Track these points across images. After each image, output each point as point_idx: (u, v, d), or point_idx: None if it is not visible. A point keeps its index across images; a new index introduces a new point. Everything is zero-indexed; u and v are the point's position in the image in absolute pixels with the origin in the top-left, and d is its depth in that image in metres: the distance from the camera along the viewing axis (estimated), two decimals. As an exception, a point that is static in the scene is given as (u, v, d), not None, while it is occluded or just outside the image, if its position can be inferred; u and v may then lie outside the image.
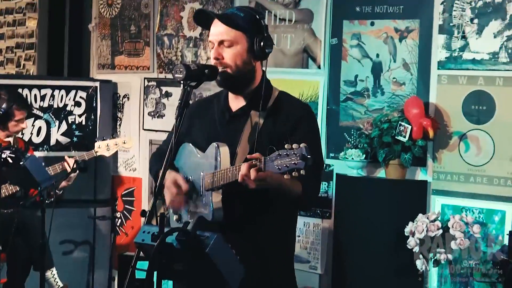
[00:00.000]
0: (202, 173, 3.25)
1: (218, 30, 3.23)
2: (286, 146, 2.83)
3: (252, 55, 3.26)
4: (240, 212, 3.24)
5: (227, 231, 3.05)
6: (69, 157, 5.72)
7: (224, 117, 3.36)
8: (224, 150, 3.19)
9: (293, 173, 2.82)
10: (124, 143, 5.94)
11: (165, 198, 3.32)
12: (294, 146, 2.81)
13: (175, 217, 3.44)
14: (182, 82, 3.09)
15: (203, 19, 3.35)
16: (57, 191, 5.27)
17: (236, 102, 3.35)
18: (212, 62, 3.23)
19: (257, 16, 3.30)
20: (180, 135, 3.34)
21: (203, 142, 3.32)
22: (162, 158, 3.05)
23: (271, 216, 3.29)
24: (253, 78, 3.32)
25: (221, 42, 3.22)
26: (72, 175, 5.60)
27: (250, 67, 3.28)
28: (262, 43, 3.24)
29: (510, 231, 4.24)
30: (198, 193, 3.28)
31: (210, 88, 5.84)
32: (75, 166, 5.55)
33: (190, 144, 3.40)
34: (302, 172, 2.80)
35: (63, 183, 5.57)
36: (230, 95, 3.37)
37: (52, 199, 5.20)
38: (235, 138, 3.25)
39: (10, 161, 4.85)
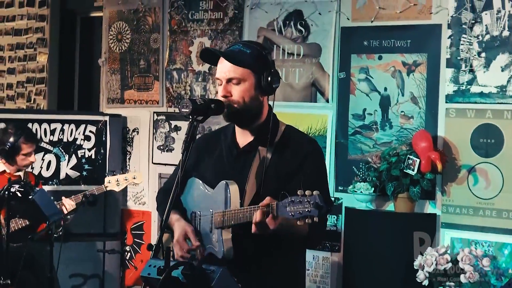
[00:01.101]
0: (211, 210, 3.26)
1: (226, 68, 3.24)
2: (298, 192, 2.85)
3: (260, 90, 3.27)
4: (250, 250, 3.23)
5: (235, 267, 3.02)
6: (78, 193, 5.73)
7: (231, 153, 3.37)
8: (234, 189, 3.20)
9: (306, 220, 2.84)
10: (134, 178, 5.97)
11: (175, 252, 3.29)
12: (307, 193, 2.83)
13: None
14: (188, 116, 3.10)
15: (209, 57, 3.39)
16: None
17: (243, 138, 3.36)
18: (220, 99, 3.25)
19: (263, 52, 3.31)
20: (188, 169, 3.36)
21: (211, 178, 3.33)
22: (169, 194, 3.05)
23: (281, 252, 3.27)
24: (261, 113, 3.33)
25: (229, 80, 3.24)
26: (69, 216, 5.62)
27: (258, 102, 3.29)
28: (269, 79, 3.25)
29: (516, 265, 4.26)
30: (208, 230, 3.28)
31: (219, 122, 5.86)
32: (84, 199, 5.57)
33: (198, 180, 3.41)
34: (315, 219, 2.82)
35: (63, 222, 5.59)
36: (237, 130, 3.38)
37: (60, 233, 5.21)
38: (243, 174, 3.26)
39: (19, 195, 4.88)
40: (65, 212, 5.56)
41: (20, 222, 5.46)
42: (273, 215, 2.94)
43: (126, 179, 5.91)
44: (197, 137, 3.22)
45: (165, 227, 3.07)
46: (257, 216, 2.98)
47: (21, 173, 5.66)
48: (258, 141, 3.31)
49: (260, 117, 3.33)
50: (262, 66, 3.26)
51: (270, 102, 3.36)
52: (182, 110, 3.09)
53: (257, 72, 3.25)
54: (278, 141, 3.32)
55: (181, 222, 3.31)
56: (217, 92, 3.37)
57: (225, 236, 3.19)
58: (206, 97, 6.23)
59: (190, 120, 3.10)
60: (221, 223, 3.18)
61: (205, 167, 3.42)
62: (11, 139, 5.53)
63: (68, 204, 5.59)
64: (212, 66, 6.13)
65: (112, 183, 5.87)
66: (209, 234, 3.26)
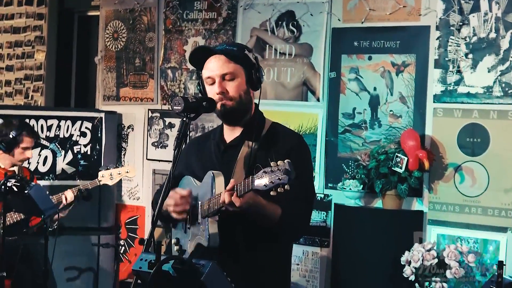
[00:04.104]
0: (199, 202, 3.31)
1: (218, 64, 3.30)
2: (271, 163, 2.91)
3: (250, 85, 3.35)
4: (236, 238, 3.29)
5: (224, 258, 3.13)
6: (73, 187, 5.77)
7: (219, 149, 3.43)
8: (219, 178, 3.25)
9: (278, 189, 2.89)
10: (127, 172, 5.97)
11: (169, 209, 3.32)
12: (279, 162, 2.89)
13: (175, 247, 3.49)
14: (180, 114, 3.14)
15: (199, 58, 3.39)
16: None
17: (231, 134, 3.42)
18: (215, 97, 3.28)
19: (246, 49, 3.39)
20: (180, 171, 3.43)
21: (200, 174, 3.39)
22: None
23: (267, 243, 3.32)
24: (251, 108, 3.40)
25: (223, 76, 3.29)
26: (66, 210, 5.65)
27: (249, 97, 3.37)
28: (257, 74, 3.35)
29: (499, 261, 4.28)
30: (196, 222, 3.32)
31: (212, 120, 5.93)
32: (78, 194, 5.61)
33: (190, 177, 3.46)
34: (286, 187, 2.87)
35: (60, 214, 5.60)
36: (225, 128, 3.45)
37: (55, 227, 5.26)
38: (229, 167, 3.32)
39: (15, 189, 4.90)
40: (65, 203, 5.60)
41: (15, 216, 5.50)
42: (236, 195, 3.04)
43: (119, 173, 5.92)
44: (189, 134, 3.25)
45: (158, 218, 3.10)
46: (225, 198, 3.07)
47: (15, 168, 5.69)
48: (245, 135, 3.36)
49: (250, 112, 3.40)
50: (249, 62, 3.34)
51: (256, 100, 3.42)
52: (174, 107, 3.13)
53: (246, 67, 3.33)
54: (264, 135, 3.37)
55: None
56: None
57: (212, 224, 3.23)
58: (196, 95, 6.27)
59: (182, 117, 3.14)
60: (207, 211, 3.23)
61: (195, 166, 3.48)
62: (15, 131, 5.57)
63: (69, 196, 5.64)
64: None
65: (106, 177, 5.88)
66: (197, 225, 3.31)
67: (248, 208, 3.11)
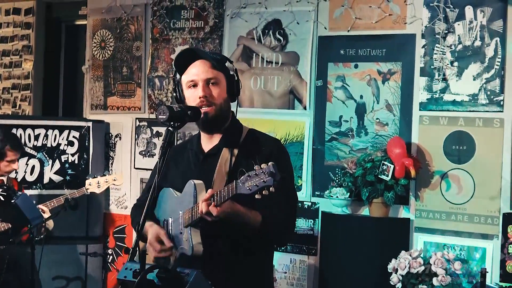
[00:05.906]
0: (180, 212, 3.32)
1: (203, 68, 3.33)
2: (255, 167, 2.93)
3: (229, 95, 3.38)
4: (220, 246, 3.30)
5: (208, 266, 3.13)
6: (60, 196, 5.74)
7: (198, 159, 3.45)
8: (200, 186, 3.27)
9: (263, 192, 2.91)
10: (115, 180, 5.97)
11: (149, 253, 3.34)
12: (263, 165, 2.92)
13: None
14: (165, 123, 3.15)
15: (185, 60, 3.40)
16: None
17: (208, 143, 3.44)
18: (196, 101, 3.30)
19: (229, 61, 3.43)
20: (159, 182, 3.43)
21: (179, 184, 3.40)
22: (143, 208, 3.10)
23: (249, 250, 3.34)
24: (229, 117, 3.43)
25: (207, 81, 3.31)
26: (48, 222, 5.62)
27: (228, 105, 3.41)
28: (237, 85, 3.39)
29: (482, 269, 4.29)
30: (178, 231, 3.33)
31: (198, 128, 5.93)
32: (65, 203, 5.59)
33: (169, 188, 3.47)
34: (271, 189, 2.89)
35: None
36: (203, 136, 3.47)
37: (42, 236, 5.25)
38: (209, 175, 3.33)
39: (2, 198, 4.90)
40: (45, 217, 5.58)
41: (2, 225, 5.48)
42: (214, 204, 3.08)
43: (106, 181, 5.90)
44: (176, 142, 3.27)
45: (142, 230, 3.10)
46: (202, 207, 3.10)
47: (4, 178, 5.68)
48: (223, 143, 3.39)
49: (228, 120, 3.43)
50: (230, 73, 3.39)
51: (233, 108, 3.45)
52: (159, 116, 3.14)
53: (227, 77, 3.37)
54: (243, 142, 3.40)
55: (153, 226, 3.38)
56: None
57: (194, 233, 3.24)
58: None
59: (168, 126, 3.16)
60: (189, 220, 3.24)
61: (173, 176, 3.49)
62: None
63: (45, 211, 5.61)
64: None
65: (93, 185, 5.87)
66: (180, 235, 3.32)
67: (226, 217, 3.13)
